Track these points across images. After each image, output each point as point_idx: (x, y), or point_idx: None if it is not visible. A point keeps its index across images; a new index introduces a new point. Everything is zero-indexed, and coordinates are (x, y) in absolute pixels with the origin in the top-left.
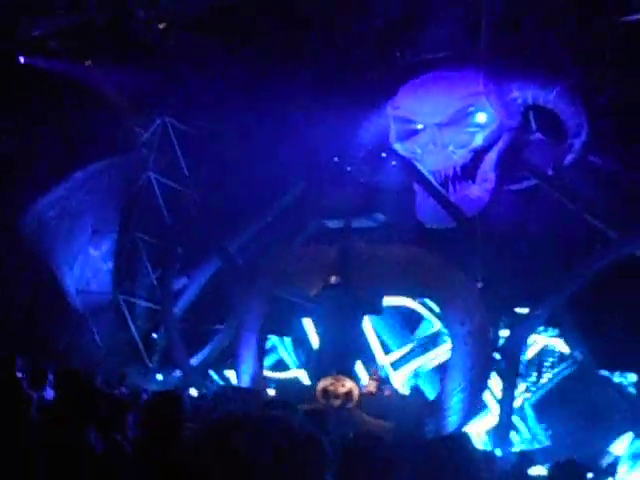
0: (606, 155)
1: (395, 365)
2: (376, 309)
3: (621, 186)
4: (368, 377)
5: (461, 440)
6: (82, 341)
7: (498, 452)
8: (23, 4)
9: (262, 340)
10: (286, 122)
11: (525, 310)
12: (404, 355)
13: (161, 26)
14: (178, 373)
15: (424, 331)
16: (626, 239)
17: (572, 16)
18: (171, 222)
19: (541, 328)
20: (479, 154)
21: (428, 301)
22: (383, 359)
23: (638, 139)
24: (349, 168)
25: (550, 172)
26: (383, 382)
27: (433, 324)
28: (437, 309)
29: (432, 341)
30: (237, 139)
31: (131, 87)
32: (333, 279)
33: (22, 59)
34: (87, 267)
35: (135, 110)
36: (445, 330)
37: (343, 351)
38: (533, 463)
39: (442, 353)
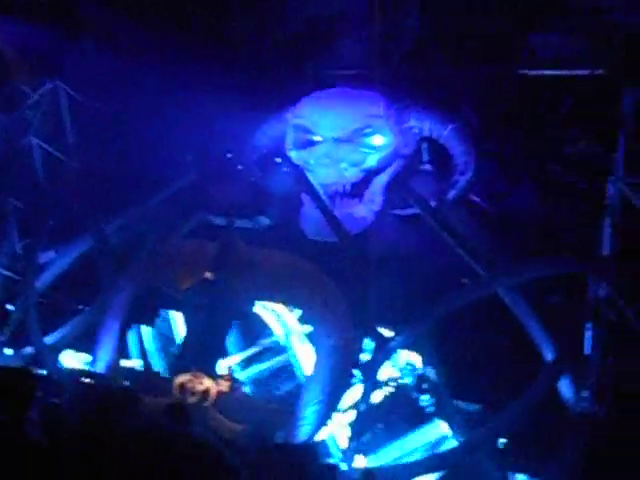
0: (487, 197)
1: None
2: (246, 311)
3: (495, 228)
4: (220, 376)
5: (308, 451)
6: None
7: (343, 466)
8: None
9: (125, 328)
10: (185, 111)
11: (391, 333)
12: (244, 359)
13: None
14: (29, 350)
15: (267, 338)
16: (491, 278)
17: (477, 62)
18: (47, 192)
19: None
20: (370, 175)
21: (277, 310)
22: (223, 360)
23: (516, 186)
24: (240, 167)
25: (433, 204)
26: (236, 382)
27: (274, 334)
28: (286, 321)
29: (273, 349)
30: (132, 119)
31: (27, 43)
32: (208, 275)
33: None
34: None
35: (27, 68)
36: (284, 342)
37: (206, 349)
38: None
39: (277, 362)
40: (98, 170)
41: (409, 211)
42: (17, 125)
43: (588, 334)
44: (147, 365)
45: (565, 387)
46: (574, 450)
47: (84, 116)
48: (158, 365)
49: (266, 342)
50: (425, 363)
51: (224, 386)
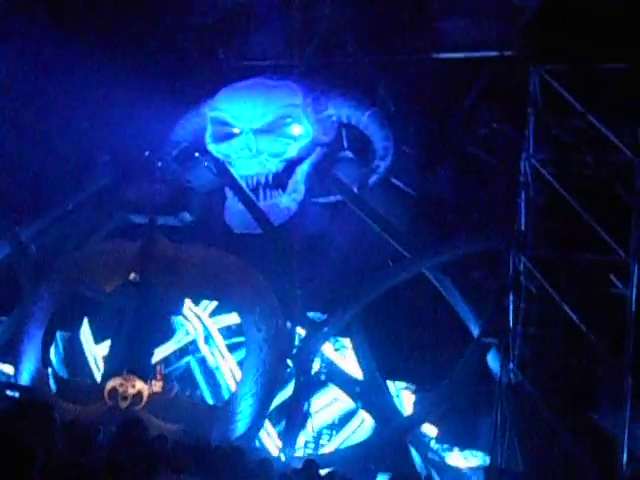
0: (407, 180)
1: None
2: (176, 310)
3: (418, 210)
4: (153, 377)
5: (236, 451)
6: None
7: (282, 457)
8: None
9: (49, 336)
10: (100, 107)
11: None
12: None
13: None
14: None
15: (182, 336)
16: (416, 259)
17: (388, 48)
18: None
19: None
20: (291, 165)
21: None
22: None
23: (435, 169)
24: (160, 164)
25: (355, 190)
26: (169, 381)
27: (190, 333)
28: (205, 320)
29: (189, 348)
30: (46, 116)
31: None
32: (132, 276)
33: None
34: None
35: None
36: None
37: (138, 351)
38: (317, 469)
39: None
40: (14, 173)
41: (332, 198)
42: None
43: (510, 307)
44: (55, 372)
45: (492, 360)
46: (501, 420)
47: None
48: (61, 372)
49: (182, 339)
50: (356, 347)
51: (157, 387)
